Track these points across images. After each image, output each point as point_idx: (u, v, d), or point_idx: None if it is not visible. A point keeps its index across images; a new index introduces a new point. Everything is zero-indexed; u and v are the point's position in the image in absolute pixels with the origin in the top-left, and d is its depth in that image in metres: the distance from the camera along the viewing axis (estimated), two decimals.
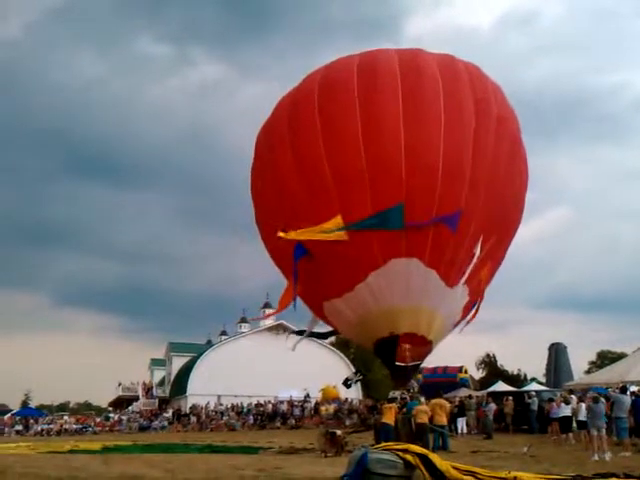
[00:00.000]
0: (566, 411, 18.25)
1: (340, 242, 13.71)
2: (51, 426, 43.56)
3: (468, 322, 16.06)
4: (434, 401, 18.47)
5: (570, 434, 18.18)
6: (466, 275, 14.42)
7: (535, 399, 23.41)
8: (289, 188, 14.75)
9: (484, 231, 14.40)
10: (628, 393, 17.03)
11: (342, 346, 57.37)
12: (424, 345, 15.06)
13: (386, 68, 14.53)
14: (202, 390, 45.68)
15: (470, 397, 26.96)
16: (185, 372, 50.82)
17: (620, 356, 42.86)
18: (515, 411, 24.23)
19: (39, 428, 43.01)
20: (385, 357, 15.31)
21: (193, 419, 41.12)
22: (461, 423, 24.26)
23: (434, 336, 15.21)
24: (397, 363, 14.84)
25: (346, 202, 13.90)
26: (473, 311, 15.83)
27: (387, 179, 13.70)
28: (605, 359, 57.97)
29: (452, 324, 15.96)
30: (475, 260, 14.35)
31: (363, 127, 13.89)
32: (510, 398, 25.01)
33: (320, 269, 14.53)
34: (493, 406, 23.65)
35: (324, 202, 14.08)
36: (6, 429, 43.52)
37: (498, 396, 26.18)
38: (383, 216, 13.72)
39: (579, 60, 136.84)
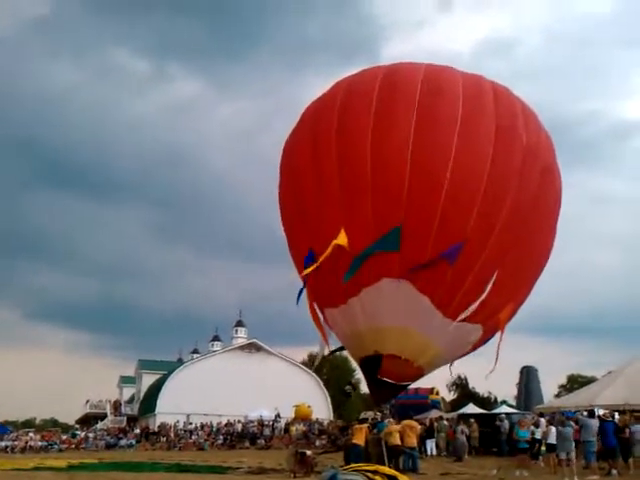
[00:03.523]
0: (536, 434, 18.32)
1: (340, 253, 13.58)
2: (15, 443, 42.49)
3: (495, 362, 15.33)
4: (404, 422, 18.41)
5: (539, 457, 18.24)
6: (472, 309, 13.93)
7: (505, 422, 23.48)
8: (305, 196, 14.73)
9: (499, 267, 13.86)
10: (596, 417, 17.14)
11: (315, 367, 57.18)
12: (410, 369, 14.77)
13: (407, 84, 14.07)
14: (171, 408, 45.08)
15: (441, 418, 26.97)
16: (155, 390, 50.18)
17: (590, 380, 43.21)
18: (485, 434, 24.28)
19: (3, 445, 41.92)
20: (368, 375, 15.16)
21: (162, 438, 40.55)
22: (430, 445, 24.23)
23: (424, 363, 14.88)
24: (382, 378, 14.61)
25: (349, 216, 13.81)
26: (495, 350, 15.14)
27: (387, 198, 13.46)
28: (575, 383, 58.39)
29: (454, 356, 15.59)
30: (484, 296, 13.82)
31: (373, 142, 13.67)
32: (472, 420, 25.17)
33: (323, 276, 14.40)
34: (465, 428, 23.70)
35: (330, 213, 14.03)
36: None
37: (468, 418, 26.25)
38: (381, 241, 13.55)
39: (556, 87, 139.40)
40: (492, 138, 13.67)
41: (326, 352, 16.71)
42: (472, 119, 13.73)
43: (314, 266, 14.01)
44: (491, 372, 14.97)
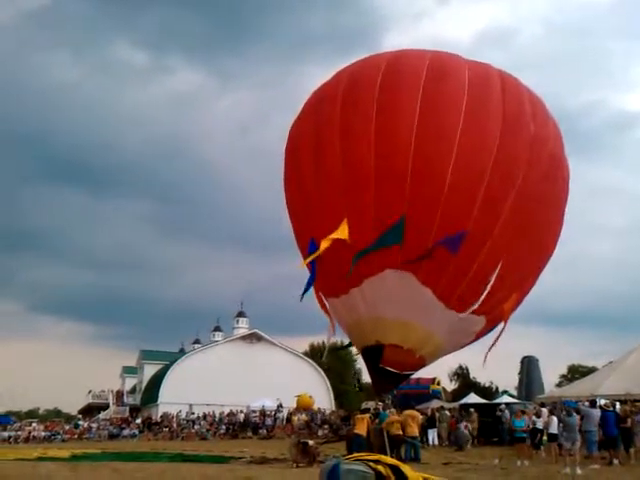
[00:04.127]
0: (537, 424, 18.33)
1: (342, 244, 13.47)
2: (19, 433, 42.73)
3: (489, 350, 15.22)
4: (406, 412, 18.45)
5: (541, 447, 18.26)
6: (479, 302, 13.79)
7: (506, 412, 23.51)
8: (308, 185, 14.62)
9: (504, 257, 13.64)
10: (597, 406, 17.15)
11: (316, 356, 57.25)
12: (411, 359, 14.70)
13: (412, 71, 13.84)
14: (174, 398, 45.23)
15: (442, 408, 27.04)
16: (157, 380, 50.33)
17: (591, 370, 43.26)
18: (486, 423, 24.34)
19: (6, 435, 42.19)
20: (370, 364, 15.12)
21: (165, 428, 40.68)
22: (432, 435, 24.29)
23: (426, 353, 14.79)
24: (384, 367, 14.57)
25: (352, 206, 13.65)
26: (493, 339, 15.02)
27: (390, 188, 13.27)
28: (576, 373, 58.45)
29: (457, 345, 15.49)
30: (489, 288, 13.67)
31: (377, 131, 13.39)
32: (472, 410, 25.24)
33: (325, 266, 14.32)
34: (469, 424, 23.75)
35: (333, 203, 13.90)
36: None
37: (469, 408, 26.32)
38: (382, 238, 13.40)
39: (556, 78, 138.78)
40: (499, 125, 13.39)
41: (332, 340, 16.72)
42: (478, 106, 13.43)
43: (311, 257, 13.97)
44: (484, 363, 14.98)
